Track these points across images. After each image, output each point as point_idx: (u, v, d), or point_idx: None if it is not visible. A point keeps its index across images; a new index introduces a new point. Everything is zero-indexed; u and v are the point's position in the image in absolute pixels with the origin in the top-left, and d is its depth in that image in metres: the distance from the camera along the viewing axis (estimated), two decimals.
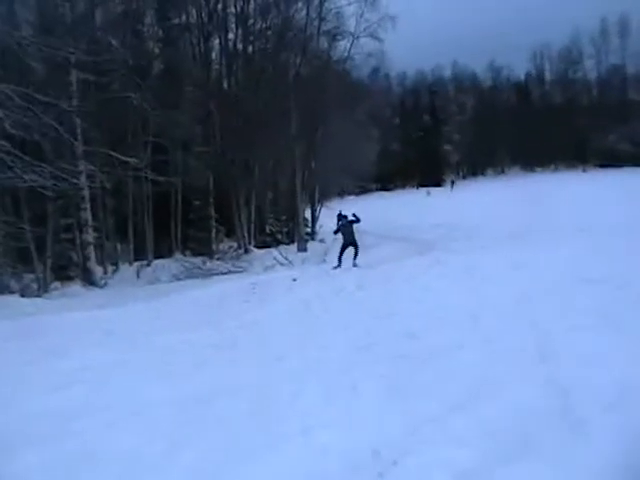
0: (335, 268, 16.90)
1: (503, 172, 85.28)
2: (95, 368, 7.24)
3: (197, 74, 28.27)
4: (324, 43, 33.02)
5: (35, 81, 20.24)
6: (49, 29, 20.35)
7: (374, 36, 32.94)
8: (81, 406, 5.68)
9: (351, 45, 33.21)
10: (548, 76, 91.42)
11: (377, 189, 73.15)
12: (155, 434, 4.85)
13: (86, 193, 20.04)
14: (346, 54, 33.61)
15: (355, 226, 17.80)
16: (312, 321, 9.67)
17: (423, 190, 67.01)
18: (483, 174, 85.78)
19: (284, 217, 31.55)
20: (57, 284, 20.05)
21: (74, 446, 4.69)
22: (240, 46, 30.27)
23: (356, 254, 17.16)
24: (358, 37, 32.95)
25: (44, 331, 10.44)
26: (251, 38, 30.31)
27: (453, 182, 68.08)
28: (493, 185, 63.34)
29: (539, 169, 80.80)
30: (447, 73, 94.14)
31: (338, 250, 17.72)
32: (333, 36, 32.58)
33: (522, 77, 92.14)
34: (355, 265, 16.70)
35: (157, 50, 28.42)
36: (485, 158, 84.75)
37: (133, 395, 5.94)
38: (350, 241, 17.35)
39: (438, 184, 74.90)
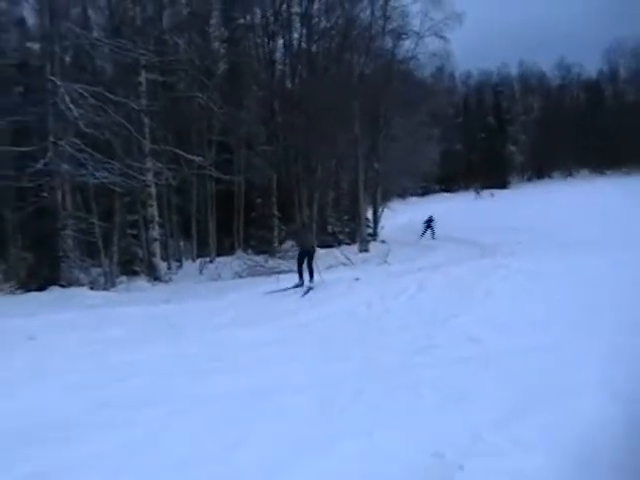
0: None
1: (570, 175, 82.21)
2: (158, 360, 7.43)
3: (261, 74, 28.57)
4: (388, 42, 32.84)
5: (105, 81, 20.83)
6: (119, 31, 20.95)
7: (439, 35, 32.66)
8: (144, 396, 5.83)
9: (416, 44, 33.11)
10: (622, 73, 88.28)
11: (439, 190, 72.43)
12: (216, 426, 4.92)
13: (153, 190, 20.49)
14: (410, 53, 33.49)
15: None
16: (373, 321, 9.68)
17: (486, 192, 65.84)
18: (549, 176, 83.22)
19: (346, 217, 31.60)
20: (123, 278, 20.57)
21: (138, 434, 4.81)
22: (304, 46, 30.42)
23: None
24: (423, 36, 32.76)
25: (110, 323, 10.73)
26: (315, 37, 30.39)
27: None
28: (559, 188, 61.70)
29: (609, 172, 77.44)
30: (513, 72, 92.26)
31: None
32: (398, 35, 32.40)
33: (593, 75, 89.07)
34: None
35: (222, 50, 28.86)
36: (551, 160, 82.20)
37: (194, 387, 6.07)
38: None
39: (502, 186, 73.60)
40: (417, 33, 32.64)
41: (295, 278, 14.83)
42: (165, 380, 6.47)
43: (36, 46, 21.53)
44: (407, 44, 33.23)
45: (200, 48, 24.46)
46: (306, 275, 14.56)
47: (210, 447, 4.49)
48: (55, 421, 5.16)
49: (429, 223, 31.89)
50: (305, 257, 14.82)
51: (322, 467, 4.11)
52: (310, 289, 13.77)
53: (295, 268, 15.46)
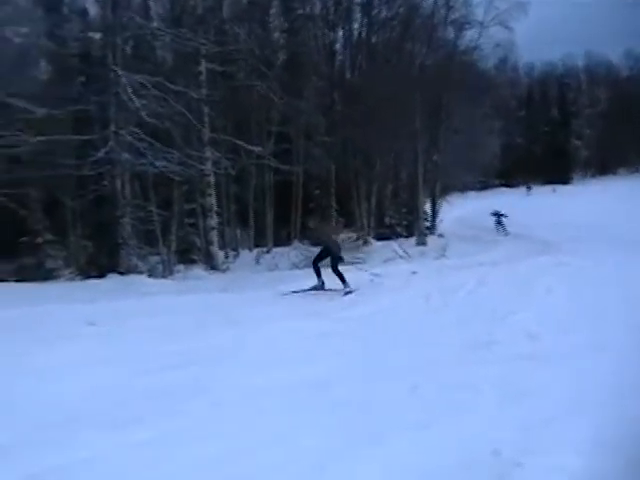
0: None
1: (637, 171, 77.60)
2: (212, 350, 7.37)
3: (321, 64, 28.44)
4: (450, 33, 32.30)
5: (165, 71, 21.01)
6: (179, 21, 21.10)
7: (504, 25, 32.00)
8: (197, 385, 5.79)
9: (479, 34, 32.46)
10: None
11: (499, 185, 71.22)
12: (268, 417, 4.87)
13: (211, 179, 20.58)
14: (473, 44, 32.83)
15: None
16: (431, 316, 9.49)
17: (548, 188, 64.48)
18: (613, 173, 79.41)
19: (404, 210, 31.33)
20: (180, 267, 20.75)
21: (189, 422, 4.78)
22: (364, 36, 30.12)
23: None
24: (487, 26, 32.10)
25: (167, 311, 10.71)
26: (375, 28, 30.10)
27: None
28: (624, 185, 59.98)
29: None
30: (579, 63, 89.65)
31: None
32: (460, 25, 31.84)
33: None
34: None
35: (282, 40, 28.83)
36: (617, 155, 78.83)
37: (246, 378, 5.99)
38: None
39: (564, 182, 71.84)
40: (481, 23, 32.03)
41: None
42: (218, 370, 6.40)
43: (97, 36, 21.84)
44: (470, 34, 32.64)
45: (260, 38, 24.44)
46: (330, 277, 12.75)
47: (261, 438, 4.43)
48: (109, 407, 5.16)
49: (499, 218, 31.33)
50: (323, 255, 13.02)
51: (377, 460, 4.01)
52: (349, 292, 12.17)
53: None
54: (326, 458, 4.05)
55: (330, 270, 12.65)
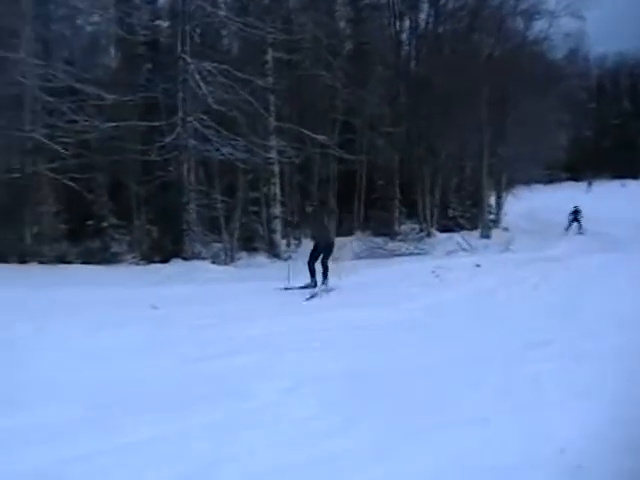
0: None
1: None
2: (274, 336, 7.41)
3: (386, 54, 28.17)
4: (520, 23, 31.43)
5: (231, 59, 21.11)
6: (246, 10, 21.15)
7: (575, 15, 31.01)
8: (259, 371, 5.83)
9: (549, 24, 31.53)
10: None
11: (566, 179, 69.47)
12: (330, 405, 4.85)
13: (276, 168, 20.64)
14: (543, 34, 31.92)
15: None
16: (494, 309, 9.41)
17: (617, 182, 62.63)
18: None
19: (468, 202, 30.87)
20: (243, 254, 20.88)
21: (253, 406, 4.81)
22: (431, 27, 29.73)
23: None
24: (558, 16, 31.15)
25: (229, 297, 10.88)
26: (442, 18, 29.68)
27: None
28: None
29: None
30: None
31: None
32: (530, 15, 31.01)
33: None
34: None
35: (348, 30, 28.63)
36: None
37: (305, 365, 6.02)
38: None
39: (635, 176, 69.56)
40: (551, 13, 31.14)
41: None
42: (276, 356, 6.44)
43: (166, 24, 22.07)
44: (540, 24, 31.72)
45: (326, 27, 24.29)
46: (319, 275, 12.11)
47: (318, 426, 4.41)
48: (173, 390, 5.23)
49: (575, 215, 30.59)
50: (319, 252, 12.30)
51: (435, 453, 3.93)
52: (315, 294, 11.20)
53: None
54: (387, 447, 4.01)
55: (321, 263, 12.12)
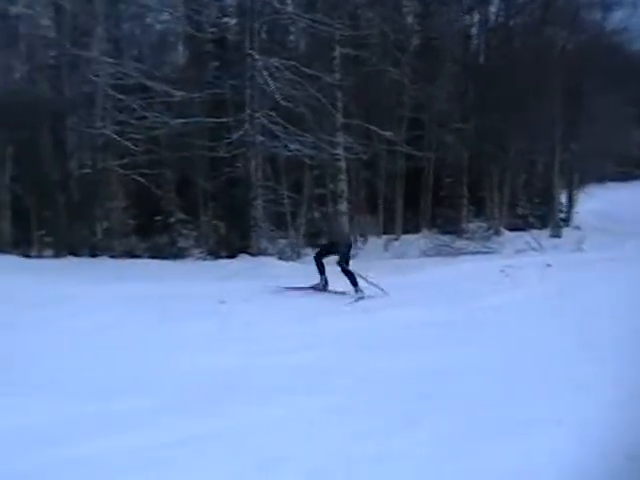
0: None
1: None
2: (335, 334, 7.45)
3: (455, 49, 27.71)
4: (596, 14, 30.28)
5: (298, 56, 21.14)
6: (314, 6, 21.13)
7: None
8: (320, 367, 5.85)
9: (630, 15, 29.98)
10: None
11: None
12: (391, 403, 4.79)
13: (343, 164, 20.51)
14: (622, 25, 30.33)
15: None
16: (566, 309, 9.14)
17: None
18: None
19: (537, 200, 30.18)
20: (308, 250, 20.83)
21: (321, 402, 4.79)
22: (501, 20, 29.12)
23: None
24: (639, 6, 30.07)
25: (295, 294, 10.86)
26: (513, 12, 29.01)
27: None
28: None
29: None
30: None
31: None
32: (608, 5, 29.84)
33: None
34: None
35: (416, 25, 28.29)
36: None
37: (367, 363, 5.99)
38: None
39: None
40: (632, 3, 29.83)
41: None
42: (342, 353, 6.50)
43: (233, 21, 22.21)
44: (619, 15, 30.43)
45: (393, 22, 24.04)
46: (337, 276, 11.14)
47: (388, 421, 4.36)
48: (246, 383, 5.33)
49: None
50: (329, 251, 11.41)
51: (505, 454, 3.78)
52: (360, 299, 10.46)
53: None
54: (457, 446, 3.93)
55: (339, 268, 10.97)
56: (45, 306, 8.89)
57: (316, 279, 11.39)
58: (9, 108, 19.06)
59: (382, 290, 10.50)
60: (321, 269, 11.25)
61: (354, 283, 10.75)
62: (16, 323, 7.74)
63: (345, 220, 12.26)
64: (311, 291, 11.11)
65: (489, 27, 29.18)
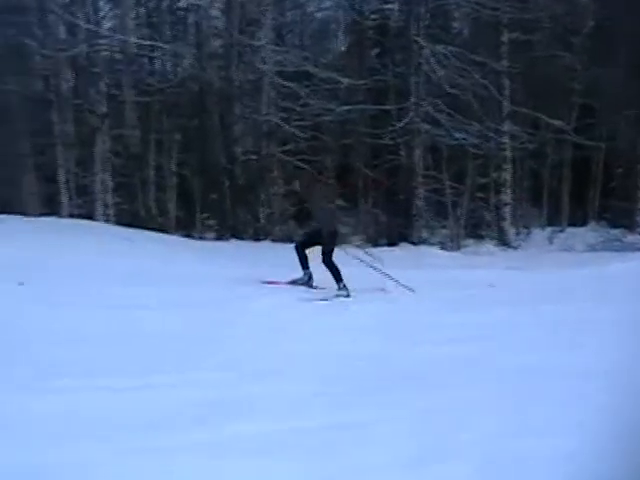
0: None
1: None
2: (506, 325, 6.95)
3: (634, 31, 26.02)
4: None
5: (461, 42, 20.69)
6: None
7: None
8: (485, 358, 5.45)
9: None
10: None
11: None
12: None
13: (508, 153, 19.97)
14: None
15: None
16: None
17: None
18: None
19: None
20: (469, 241, 20.45)
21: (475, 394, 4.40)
22: None
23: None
24: None
25: (456, 284, 10.52)
26: None
27: None
28: None
29: None
30: None
31: None
32: None
33: None
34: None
35: (590, 5, 26.86)
36: None
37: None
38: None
39: None
40: None
41: None
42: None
43: (396, 7, 22.02)
44: None
45: (566, 3, 22.93)
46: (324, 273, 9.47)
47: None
48: (394, 373, 5.01)
49: None
50: (314, 240, 9.63)
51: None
52: (343, 295, 9.09)
53: None
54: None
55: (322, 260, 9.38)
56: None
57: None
58: (179, 96, 19.95)
59: (409, 288, 9.30)
60: (303, 262, 9.69)
61: (338, 278, 9.24)
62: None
63: (332, 205, 10.06)
64: (289, 286, 9.54)
65: None
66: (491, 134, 18.43)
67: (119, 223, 17.19)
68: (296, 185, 11.31)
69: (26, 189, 18.68)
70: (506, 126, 19.49)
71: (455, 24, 23.88)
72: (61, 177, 18.27)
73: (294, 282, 9.56)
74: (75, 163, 18.90)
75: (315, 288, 9.57)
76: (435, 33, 19.80)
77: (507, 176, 20.19)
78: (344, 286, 9.12)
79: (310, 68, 19.00)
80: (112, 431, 3.32)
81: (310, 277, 9.63)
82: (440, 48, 17.95)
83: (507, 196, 20.33)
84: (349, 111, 18.59)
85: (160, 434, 3.31)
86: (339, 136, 20.63)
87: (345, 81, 18.04)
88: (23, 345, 5.23)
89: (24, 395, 3.82)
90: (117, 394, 3.99)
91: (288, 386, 4.53)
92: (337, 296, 9.00)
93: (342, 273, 9.20)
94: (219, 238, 18.83)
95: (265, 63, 18.82)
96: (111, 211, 18.36)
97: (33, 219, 14.80)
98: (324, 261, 9.26)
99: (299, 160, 19.45)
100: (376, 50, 22.31)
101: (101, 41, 18.21)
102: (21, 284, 7.78)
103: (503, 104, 19.52)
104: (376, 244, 19.38)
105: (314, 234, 9.62)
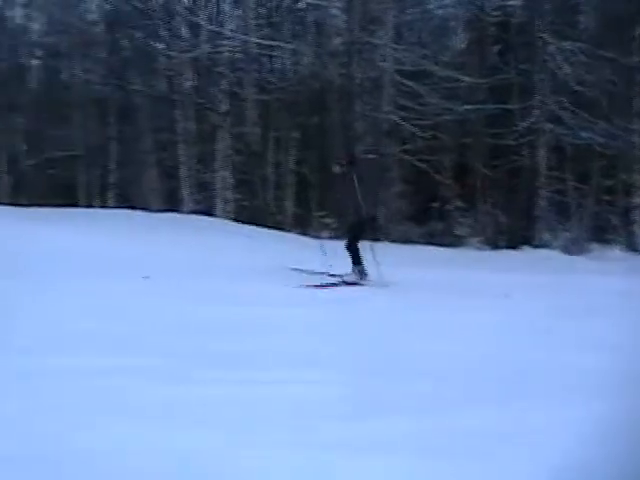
0: None
1: None
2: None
3: None
4: None
5: (586, 37, 19.95)
6: None
7: None
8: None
9: None
10: None
11: None
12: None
13: (638, 153, 19.10)
14: None
15: None
16: None
17: None
18: None
19: None
20: (594, 245, 19.68)
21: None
22: None
23: None
24: None
25: (583, 291, 9.86)
26: None
27: None
28: None
29: None
30: None
31: None
32: None
33: None
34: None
35: None
36: None
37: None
38: None
39: None
40: None
41: None
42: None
43: (519, 3, 21.50)
44: None
45: None
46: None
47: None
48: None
49: None
50: (355, 230, 9.66)
51: None
52: (353, 283, 9.09)
53: None
54: None
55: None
56: None
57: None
58: (298, 94, 20.18)
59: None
60: (356, 257, 9.36)
61: (357, 262, 9.18)
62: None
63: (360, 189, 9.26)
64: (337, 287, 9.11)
65: None
66: (620, 132, 17.60)
67: (238, 220, 17.59)
68: (336, 169, 10.56)
69: (148, 185, 19.45)
70: (636, 124, 18.64)
71: (581, 18, 23.11)
72: (182, 173, 18.88)
73: (345, 281, 9.25)
74: (196, 160, 19.50)
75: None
76: (560, 29, 19.20)
77: (637, 177, 19.34)
78: (359, 272, 9.13)
79: (429, 66, 18.81)
80: (261, 425, 3.37)
81: (363, 271, 9.35)
82: (566, 44, 17.36)
83: (637, 198, 19.46)
84: (468, 110, 18.26)
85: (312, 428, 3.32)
86: (458, 136, 20.30)
87: (466, 79, 17.74)
88: (162, 336, 5.45)
89: (185, 385, 3.99)
90: (263, 387, 4.06)
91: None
92: (344, 280, 9.07)
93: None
94: (336, 237, 18.90)
95: (385, 61, 18.77)
96: (231, 207, 18.79)
97: (155, 214, 15.37)
98: (349, 246, 9.31)
99: (417, 160, 19.32)
100: (497, 47, 21.82)
101: (223, 42, 18.68)
102: (146, 278, 8.07)
103: (634, 101, 18.69)
104: (496, 246, 18.99)
105: (357, 226, 9.61)
